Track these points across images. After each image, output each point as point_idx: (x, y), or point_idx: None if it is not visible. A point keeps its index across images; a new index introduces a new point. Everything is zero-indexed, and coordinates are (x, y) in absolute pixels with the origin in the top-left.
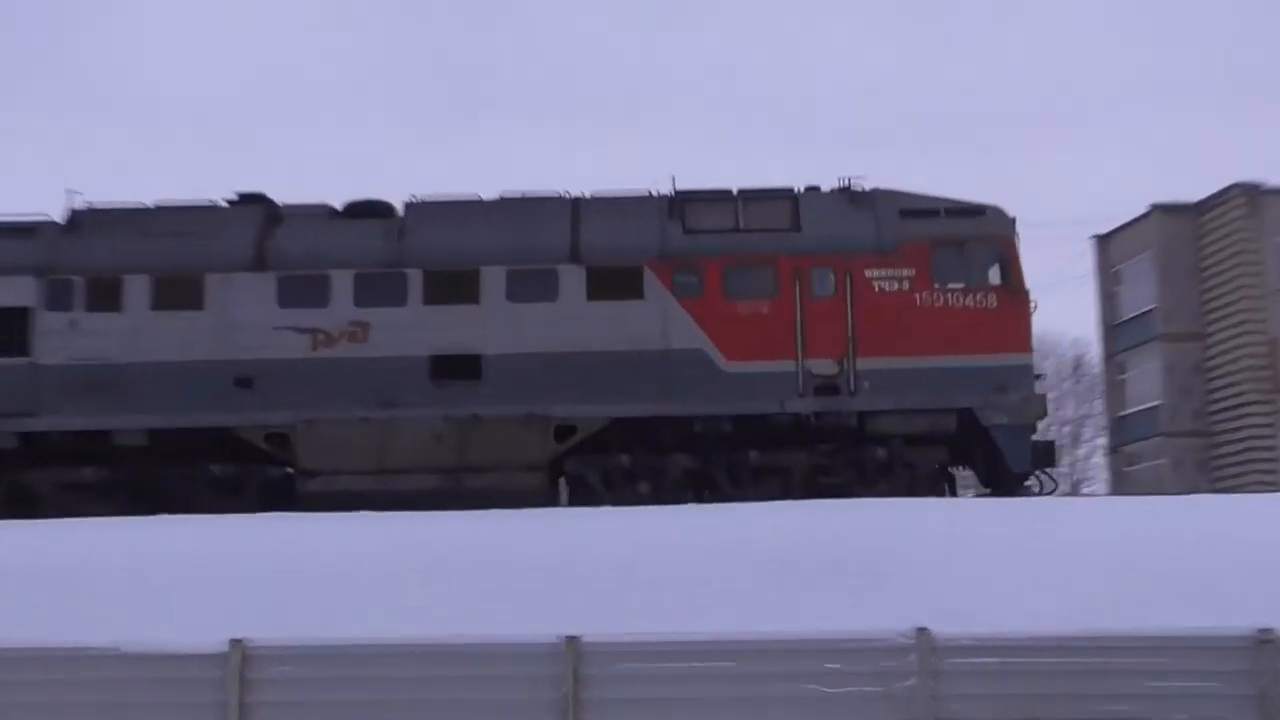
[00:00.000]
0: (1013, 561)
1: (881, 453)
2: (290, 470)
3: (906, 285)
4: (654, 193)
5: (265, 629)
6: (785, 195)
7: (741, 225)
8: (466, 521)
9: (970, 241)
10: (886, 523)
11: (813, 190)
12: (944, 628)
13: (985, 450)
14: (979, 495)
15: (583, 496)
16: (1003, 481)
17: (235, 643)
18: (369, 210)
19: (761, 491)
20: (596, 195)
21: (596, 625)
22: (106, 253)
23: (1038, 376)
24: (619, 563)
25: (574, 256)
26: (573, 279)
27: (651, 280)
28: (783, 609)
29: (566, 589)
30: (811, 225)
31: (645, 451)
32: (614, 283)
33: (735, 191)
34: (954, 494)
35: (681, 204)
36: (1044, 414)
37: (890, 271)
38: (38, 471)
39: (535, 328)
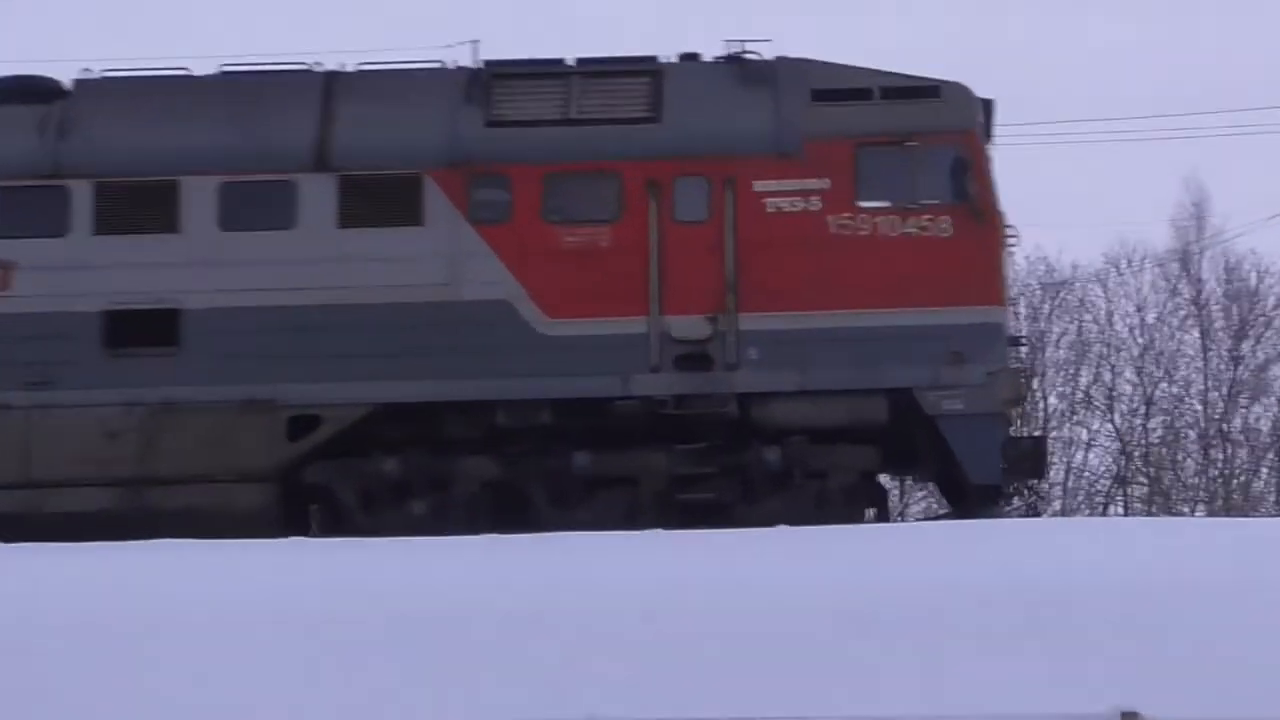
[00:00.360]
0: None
1: (774, 456)
2: None
3: (817, 204)
4: (450, 65)
5: None
6: (643, 69)
7: (574, 113)
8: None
9: (916, 137)
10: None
11: (688, 61)
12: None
13: (935, 451)
14: (931, 518)
15: (336, 520)
16: (967, 497)
17: None
18: (17, 92)
19: (595, 513)
20: (363, 70)
21: None
22: None
23: (1016, 341)
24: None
25: (321, 161)
26: (318, 195)
27: (435, 196)
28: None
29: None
30: (678, 113)
31: (424, 454)
32: (379, 200)
33: (571, 63)
34: (884, 515)
35: (488, 82)
36: (1020, 397)
37: (793, 183)
38: None
39: (261, 269)
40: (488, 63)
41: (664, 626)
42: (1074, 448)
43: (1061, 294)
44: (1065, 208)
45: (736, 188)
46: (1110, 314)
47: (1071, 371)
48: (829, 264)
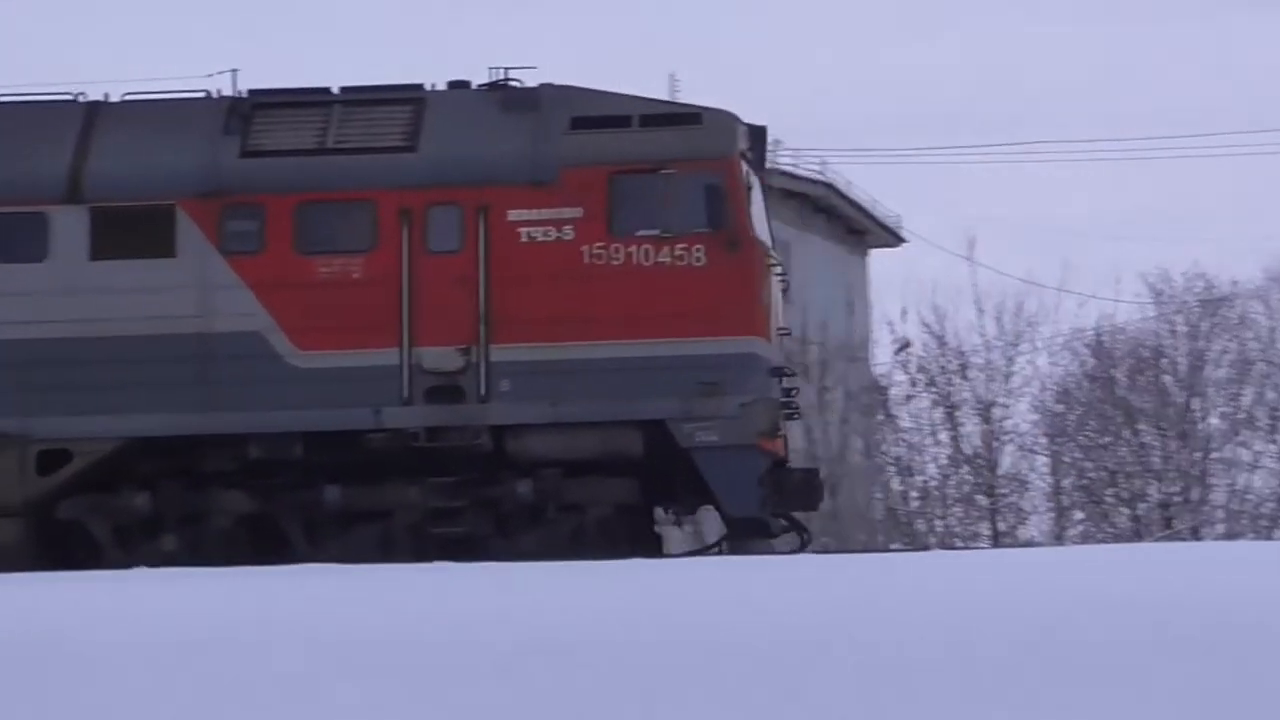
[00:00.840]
0: None
1: (526, 489)
2: None
3: (571, 233)
4: (214, 93)
5: None
6: (405, 97)
7: (331, 143)
8: None
9: (672, 165)
10: None
11: (456, 89)
12: None
13: (692, 484)
14: (695, 551)
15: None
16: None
17: None
18: None
19: (347, 547)
20: (126, 100)
21: None
22: None
23: (780, 372)
24: None
25: (74, 193)
26: (70, 227)
27: (188, 227)
28: None
29: None
30: (435, 142)
31: (176, 488)
32: (132, 232)
33: (336, 92)
34: (658, 550)
35: (249, 111)
36: (773, 429)
37: (548, 212)
38: None
39: (12, 302)
40: (251, 92)
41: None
42: (1237, 469)
43: (1220, 311)
44: (1224, 223)
45: (490, 217)
46: (1273, 331)
47: (1233, 391)
48: (583, 294)
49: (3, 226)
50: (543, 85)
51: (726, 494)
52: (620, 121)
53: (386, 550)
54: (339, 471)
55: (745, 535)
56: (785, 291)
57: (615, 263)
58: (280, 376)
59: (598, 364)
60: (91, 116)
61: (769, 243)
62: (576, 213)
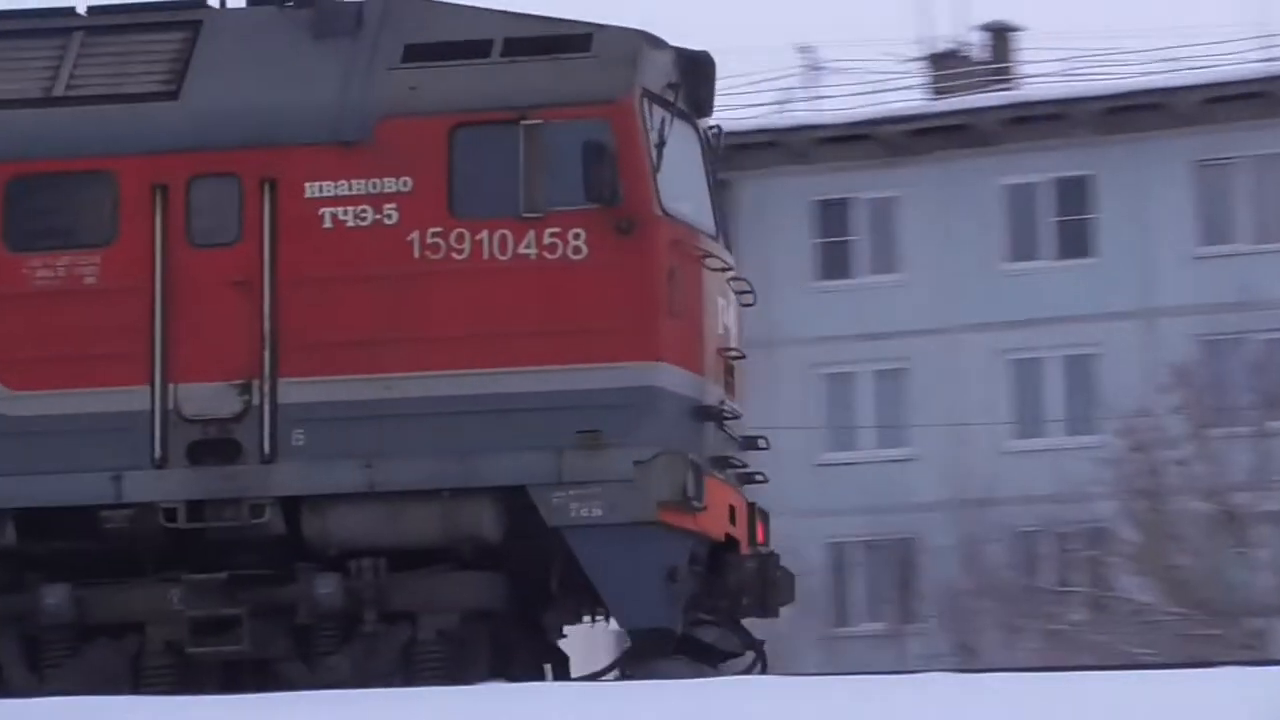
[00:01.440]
0: None
1: (329, 589)
2: None
3: (394, 214)
4: None
5: None
6: (174, 20)
7: (63, 90)
8: None
9: (538, 113)
10: None
11: (246, 7)
12: None
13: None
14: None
15: None
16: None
17: None
18: None
19: (78, 673)
20: None
21: None
22: None
23: (712, 414)
24: None
25: None
26: None
27: None
28: None
29: None
30: (206, 85)
31: None
32: None
33: (81, 13)
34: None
35: None
36: (683, 495)
37: (360, 184)
38: None
39: None
40: None
41: None
42: None
43: None
44: None
45: (278, 193)
46: None
47: None
48: (410, 304)
49: None
50: None
51: (616, 595)
52: (474, 49)
53: (135, 678)
54: (68, 566)
55: (651, 653)
56: (748, 303)
57: (457, 257)
58: None
59: (429, 405)
60: None
61: (710, 228)
62: (403, 185)
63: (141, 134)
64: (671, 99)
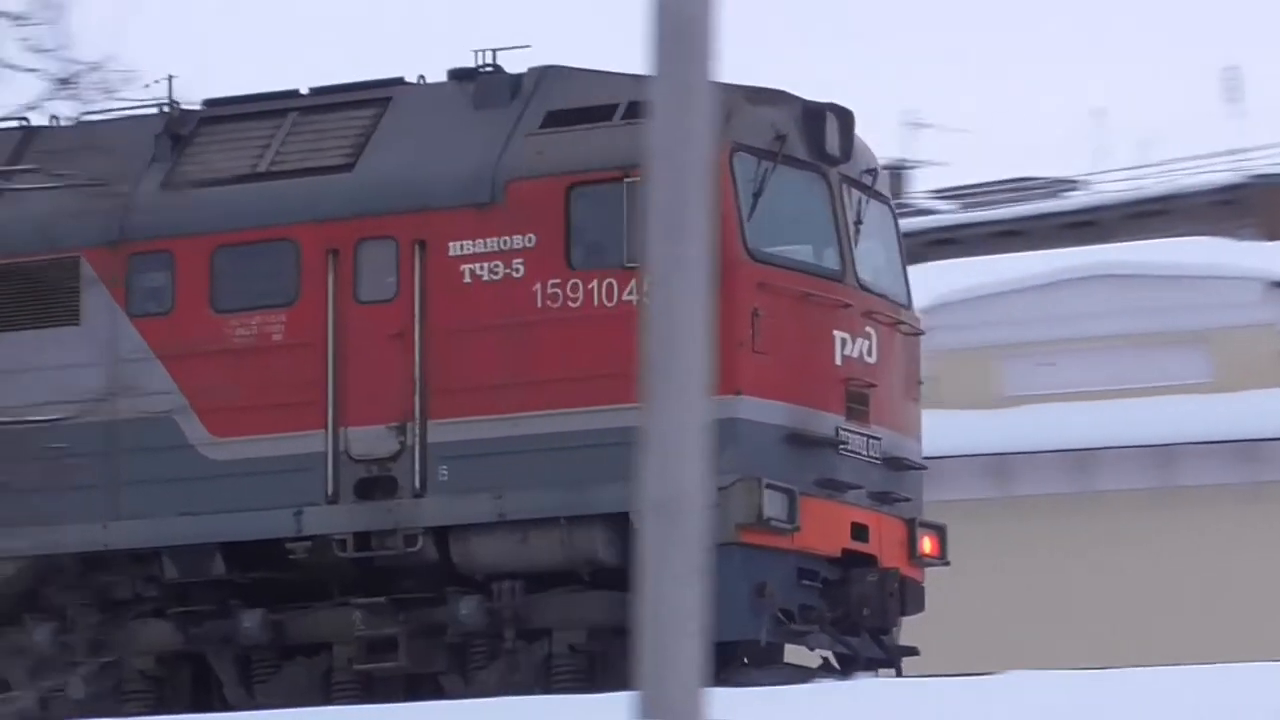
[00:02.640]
0: None
1: (469, 610)
2: None
3: (521, 269)
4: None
5: None
6: (370, 98)
7: (265, 165)
8: None
9: (637, 169)
10: None
11: (425, 83)
12: None
13: None
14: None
15: None
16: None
17: None
18: None
19: (272, 690)
20: (56, 125)
21: None
22: None
23: (815, 437)
24: None
25: None
26: None
27: (93, 284)
28: None
29: None
30: (377, 156)
31: (88, 618)
32: (31, 294)
33: (306, 91)
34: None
35: (195, 128)
36: (767, 518)
37: (493, 242)
38: None
39: None
40: (206, 102)
41: None
42: None
43: None
44: None
45: (427, 253)
46: None
47: None
48: (532, 349)
49: None
50: (530, 70)
51: (720, 612)
52: (600, 114)
53: (327, 692)
54: (268, 593)
55: (756, 663)
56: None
57: (572, 305)
58: (192, 469)
59: (548, 441)
60: (21, 147)
61: (852, 267)
62: (528, 241)
63: (319, 204)
64: (778, 150)
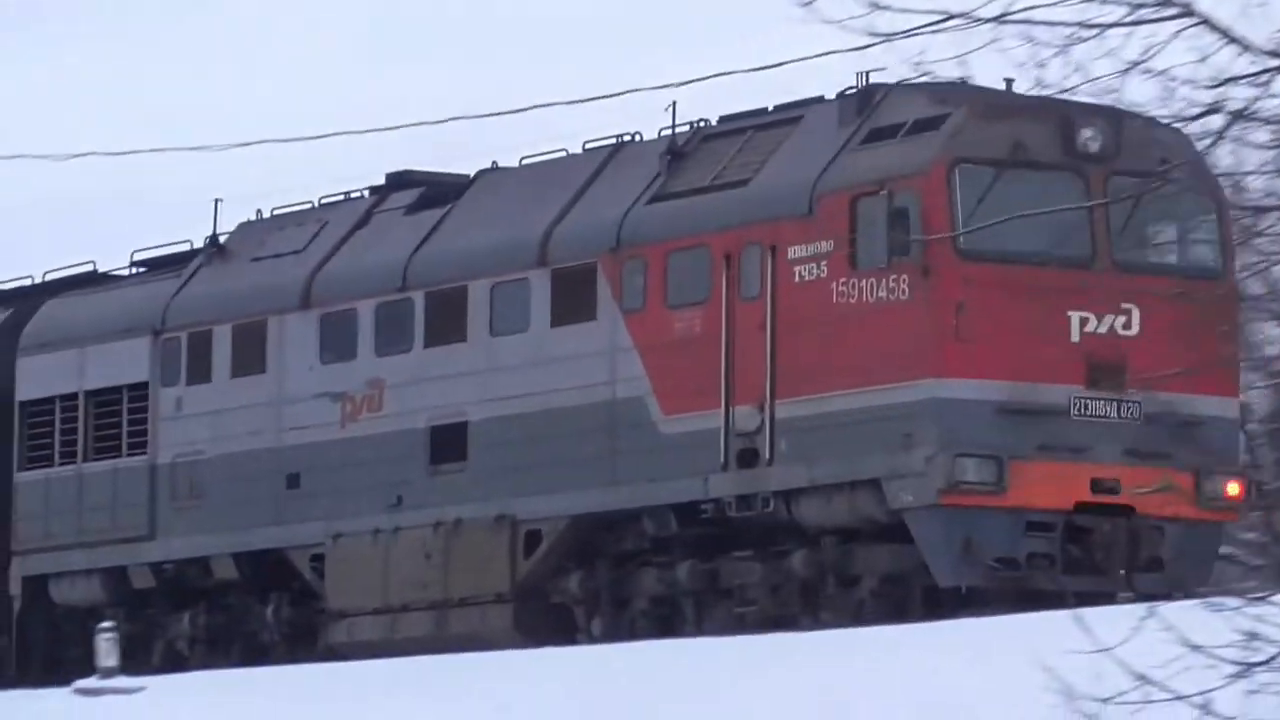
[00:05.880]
0: None
1: (801, 561)
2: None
3: (824, 270)
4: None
5: None
6: (786, 118)
7: (711, 179)
8: None
9: (889, 185)
10: None
11: (860, 92)
12: None
13: None
14: None
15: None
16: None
17: None
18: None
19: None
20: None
21: None
22: (201, 293)
23: (1029, 407)
24: None
25: (542, 253)
26: (538, 293)
27: (604, 287)
28: None
29: None
30: (766, 172)
31: (606, 565)
32: (571, 295)
33: (769, 110)
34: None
35: (695, 145)
36: (954, 481)
37: (810, 248)
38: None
39: (510, 376)
40: (721, 119)
41: None
42: None
43: None
44: None
45: (776, 256)
46: None
47: None
48: (832, 339)
49: (505, 296)
50: (888, 86)
51: (931, 562)
52: (890, 132)
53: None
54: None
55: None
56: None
57: (851, 301)
58: (652, 443)
59: (834, 419)
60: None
61: (1108, 252)
62: (829, 246)
63: (720, 214)
64: (1018, 157)
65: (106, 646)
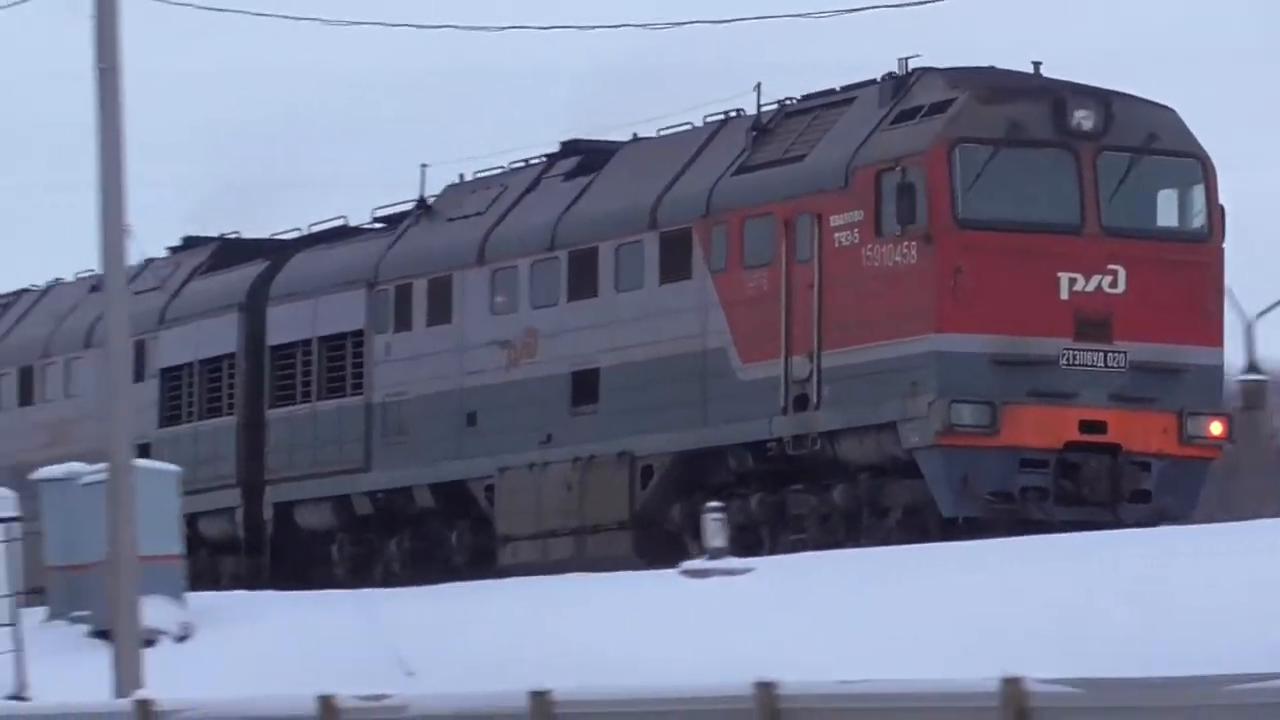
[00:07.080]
0: None
1: (840, 494)
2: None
3: (856, 237)
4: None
5: None
6: (833, 99)
7: (787, 152)
8: None
9: (904, 161)
10: None
11: (884, 80)
12: None
13: None
14: None
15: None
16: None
17: None
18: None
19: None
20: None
21: None
22: (407, 249)
23: (1019, 358)
24: None
25: (653, 217)
26: (650, 254)
27: (697, 249)
28: None
29: None
30: (824, 146)
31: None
32: (673, 256)
33: (837, 90)
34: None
35: (778, 122)
36: (950, 424)
37: (847, 215)
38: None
39: (629, 328)
40: (804, 97)
41: None
42: None
43: None
44: None
45: (821, 224)
46: None
47: None
48: (856, 299)
49: (626, 256)
50: (926, 71)
51: (937, 496)
52: (912, 114)
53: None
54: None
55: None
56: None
57: (874, 265)
58: (733, 389)
59: (858, 370)
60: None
61: (1097, 219)
62: (859, 215)
63: (784, 186)
64: (1015, 137)
65: (715, 527)
